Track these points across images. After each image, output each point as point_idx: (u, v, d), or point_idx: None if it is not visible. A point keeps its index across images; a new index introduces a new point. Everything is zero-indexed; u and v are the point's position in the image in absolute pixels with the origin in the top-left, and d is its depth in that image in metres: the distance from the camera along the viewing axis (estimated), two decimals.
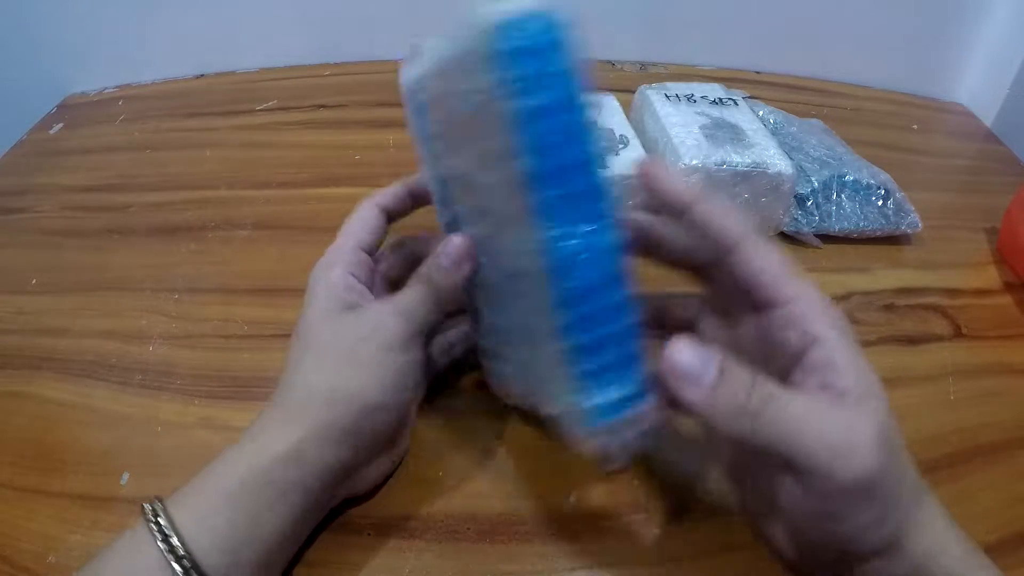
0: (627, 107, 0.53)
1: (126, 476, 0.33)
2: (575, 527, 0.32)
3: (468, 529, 0.32)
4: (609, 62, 0.72)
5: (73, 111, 0.64)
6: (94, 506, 0.32)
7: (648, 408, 0.23)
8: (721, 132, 0.47)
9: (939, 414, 0.38)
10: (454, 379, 0.37)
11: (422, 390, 0.32)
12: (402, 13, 0.68)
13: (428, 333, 0.30)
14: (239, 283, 0.44)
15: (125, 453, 0.34)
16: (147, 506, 0.25)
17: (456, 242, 0.28)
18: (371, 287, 0.31)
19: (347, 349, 0.28)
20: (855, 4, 0.68)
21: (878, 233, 0.49)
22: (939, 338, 0.43)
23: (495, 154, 0.23)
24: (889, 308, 0.45)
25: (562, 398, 0.24)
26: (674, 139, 0.46)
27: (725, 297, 0.26)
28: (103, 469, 0.33)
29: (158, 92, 0.67)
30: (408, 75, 0.29)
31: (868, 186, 0.50)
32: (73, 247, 0.48)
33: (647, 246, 0.28)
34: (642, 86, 0.54)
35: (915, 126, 0.67)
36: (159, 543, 0.23)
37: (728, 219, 0.25)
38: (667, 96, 0.52)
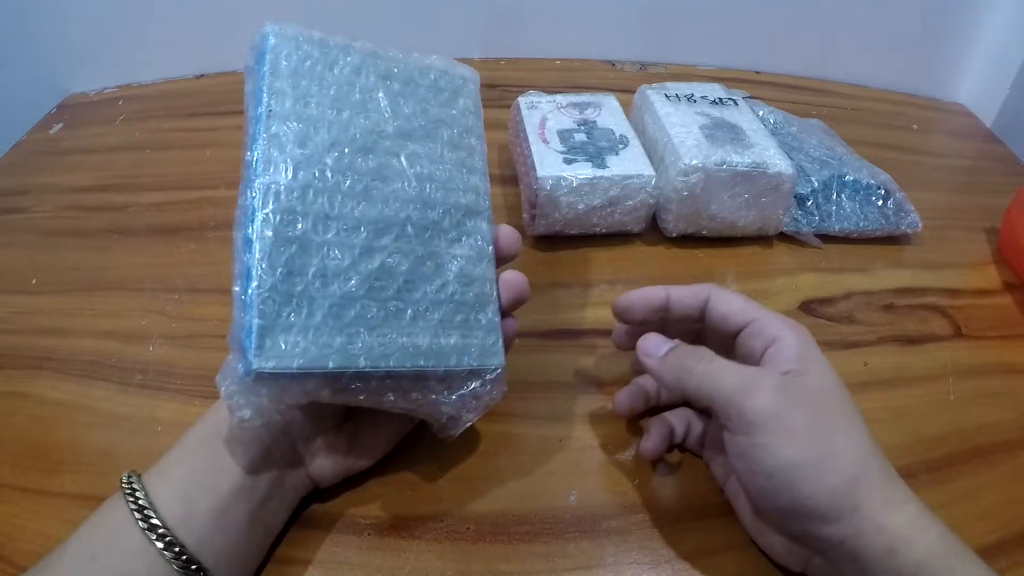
0: (627, 107, 0.53)
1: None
2: (575, 527, 0.32)
3: (468, 529, 0.32)
4: (609, 62, 0.72)
5: (73, 111, 0.64)
6: (94, 506, 0.31)
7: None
8: (721, 132, 0.47)
9: (939, 414, 0.38)
10: None
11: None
12: (402, 13, 0.68)
13: None
14: None
15: (125, 453, 0.34)
16: (124, 475, 0.27)
17: None
18: None
19: None
20: (855, 4, 0.68)
21: (878, 233, 0.49)
22: (939, 338, 0.43)
23: None
24: (889, 308, 0.45)
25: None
26: (674, 139, 0.46)
27: (715, 339, 0.33)
28: (103, 469, 0.33)
29: (158, 92, 0.67)
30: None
31: (868, 186, 0.50)
32: (73, 247, 0.48)
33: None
34: (642, 86, 0.54)
35: (915, 126, 0.67)
36: (128, 501, 0.26)
37: (694, 289, 0.33)
38: (667, 96, 0.52)
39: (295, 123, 0.27)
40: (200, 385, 0.38)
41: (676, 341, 0.32)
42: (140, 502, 0.26)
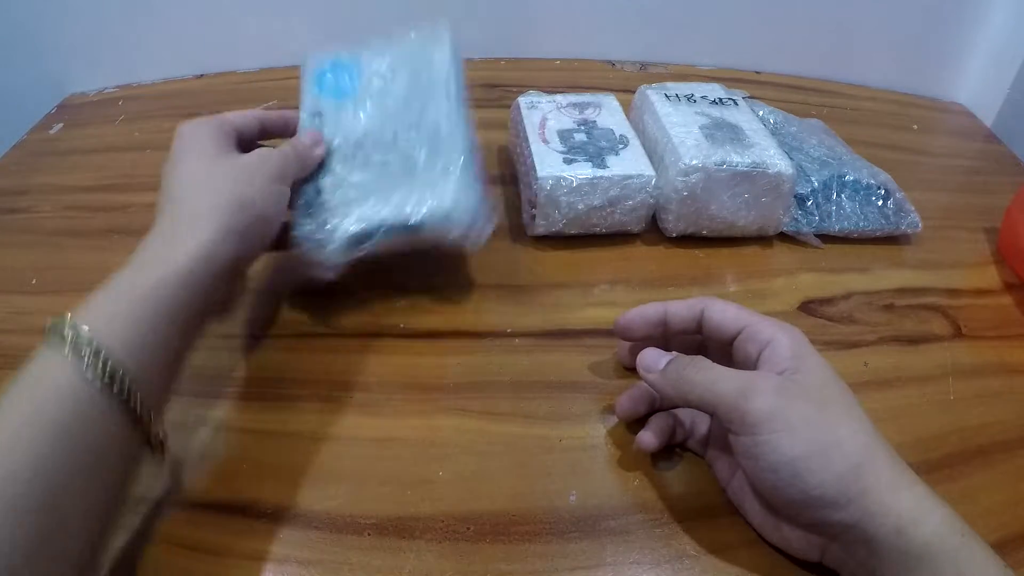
0: (627, 107, 0.53)
1: None
2: (575, 527, 0.32)
3: (468, 529, 0.32)
4: (609, 62, 0.72)
5: (73, 111, 0.64)
6: None
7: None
8: (721, 132, 0.47)
9: (939, 414, 0.38)
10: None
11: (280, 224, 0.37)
12: (401, 13, 0.68)
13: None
14: None
15: None
16: (50, 320, 0.27)
17: (312, 132, 0.40)
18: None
19: (243, 174, 0.34)
20: (855, 4, 0.68)
21: (878, 233, 0.49)
22: (939, 338, 0.43)
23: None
24: (889, 308, 0.45)
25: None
26: (674, 139, 0.46)
27: (714, 348, 0.35)
28: None
29: (158, 92, 0.67)
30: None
31: (868, 186, 0.50)
32: (73, 247, 0.48)
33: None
34: (642, 86, 0.54)
35: (915, 126, 0.67)
36: (66, 347, 0.25)
37: (689, 302, 0.34)
38: (667, 96, 0.52)
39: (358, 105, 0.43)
40: (200, 385, 0.37)
41: (674, 353, 0.33)
42: (83, 344, 0.25)
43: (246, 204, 0.33)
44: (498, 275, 0.45)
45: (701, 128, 0.48)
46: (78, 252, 0.47)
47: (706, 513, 0.33)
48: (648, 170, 0.46)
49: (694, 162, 0.44)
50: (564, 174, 0.44)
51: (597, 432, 0.36)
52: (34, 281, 0.45)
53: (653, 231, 0.49)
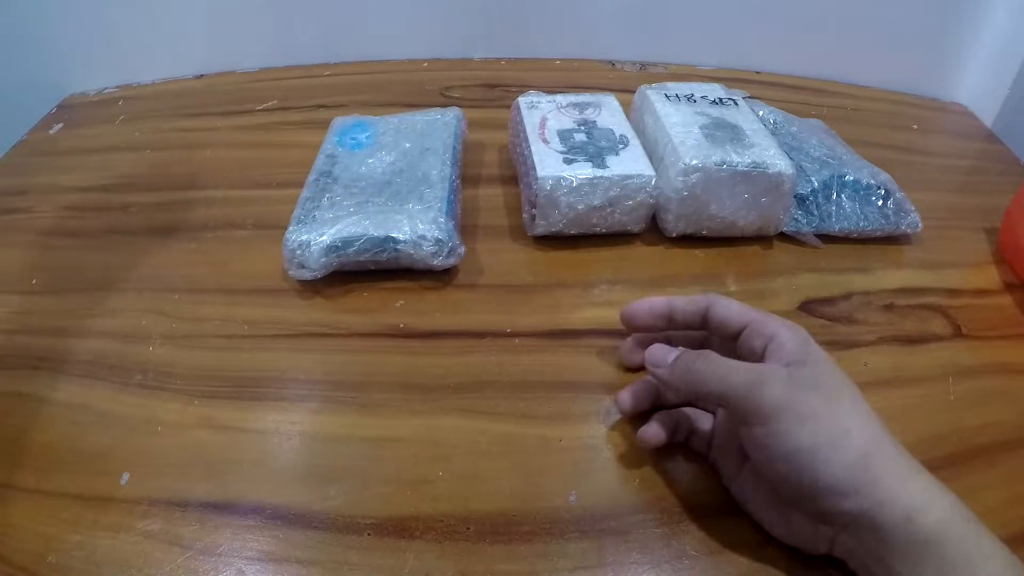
0: (627, 107, 0.53)
1: (126, 476, 0.33)
2: (575, 527, 0.32)
3: (468, 529, 0.32)
4: (609, 62, 0.72)
5: (73, 111, 0.64)
6: (94, 506, 0.32)
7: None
8: (721, 132, 0.47)
9: (939, 414, 0.38)
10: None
11: None
12: (402, 13, 0.68)
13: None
14: (239, 283, 0.44)
15: (125, 453, 0.34)
16: None
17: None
18: None
19: None
20: (855, 4, 0.68)
21: (878, 233, 0.49)
22: (939, 338, 0.43)
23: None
24: (889, 308, 0.45)
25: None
26: (674, 139, 0.46)
27: (718, 344, 0.35)
28: (103, 469, 0.33)
29: (158, 92, 0.67)
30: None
31: (868, 186, 0.50)
32: (73, 247, 0.48)
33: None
34: (642, 86, 0.54)
35: (915, 126, 0.67)
36: None
37: (694, 298, 0.35)
38: (667, 96, 0.52)
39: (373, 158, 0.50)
40: (200, 385, 0.38)
41: (681, 348, 0.33)
42: None
43: None
44: (498, 275, 0.45)
45: (701, 128, 0.48)
46: (78, 252, 0.47)
47: (706, 513, 0.33)
48: (648, 170, 0.46)
49: (694, 162, 0.44)
50: (564, 174, 0.44)
51: (597, 432, 0.36)
52: (34, 281, 0.45)
53: (653, 231, 0.49)
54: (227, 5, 0.65)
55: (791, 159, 0.47)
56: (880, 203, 0.50)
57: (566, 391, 0.38)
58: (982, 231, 0.53)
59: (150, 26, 0.65)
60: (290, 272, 0.43)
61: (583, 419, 0.37)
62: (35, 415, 0.36)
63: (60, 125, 0.62)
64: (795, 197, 0.49)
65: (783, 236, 0.49)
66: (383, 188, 0.46)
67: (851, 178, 0.50)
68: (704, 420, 0.35)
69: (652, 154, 0.48)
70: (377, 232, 0.42)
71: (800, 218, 0.49)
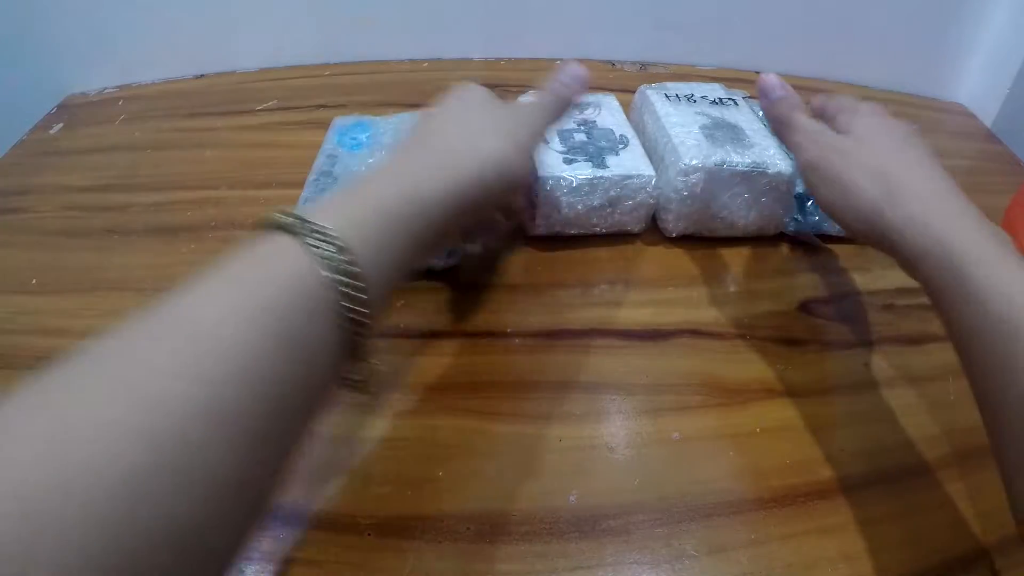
0: (627, 107, 0.53)
1: None
2: (575, 527, 0.32)
3: (468, 529, 0.32)
4: (609, 62, 0.72)
5: (73, 111, 0.64)
6: None
7: None
8: (721, 132, 0.47)
9: (939, 414, 0.38)
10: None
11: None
12: (402, 13, 0.68)
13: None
14: None
15: None
16: (281, 216, 0.24)
17: (574, 66, 0.43)
18: None
19: (510, 129, 0.35)
20: (855, 4, 0.68)
21: None
22: (939, 338, 0.43)
23: None
24: (889, 308, 0.45)
25: None
26: (674, 139, 0.46)
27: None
28: None
29: (158, 92, 0.67)
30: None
31: None
32: (73, 247, 0.48)
33: None
34: (642, 86, 0.54)
35: (915, 126, 0.67)
36: (307, 240, 0.23)
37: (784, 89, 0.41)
38: (667, 96, 0.52)
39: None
40: None
41: (787, 88, 0.40)
42: (329, 244, 0.23)
43: (504, 167, 0.33)
44: (498, 275, 0.45)
45: (701, 128, 0.48)
46: (78, 252, 0.47)
47: (707, 513, 0.33)
48: (648, 170, 0.46)
49: (694, 162, 0.44)
50: (564, 174, 0.44)
51: (597, 432, 0.36)
52: (34, 281, 0.45)
53: (653, 231, 0.49)
54: (227, 5, 0.65)
55: (791, 159, 0.47)
56: None
57: (566, 391, 0.38)
58: None
59: (150, 26, 0.65)
60: None
61: (583, 419, 0.37)
62: None
63: (60, 125, 0.62)
64: (795, 197, 0.49)
65: (783, 236, 0.50)
66: None
67: None
68: None
69: (652, 154, 0.48)
70: None
71: (800, 218, 0.49)
